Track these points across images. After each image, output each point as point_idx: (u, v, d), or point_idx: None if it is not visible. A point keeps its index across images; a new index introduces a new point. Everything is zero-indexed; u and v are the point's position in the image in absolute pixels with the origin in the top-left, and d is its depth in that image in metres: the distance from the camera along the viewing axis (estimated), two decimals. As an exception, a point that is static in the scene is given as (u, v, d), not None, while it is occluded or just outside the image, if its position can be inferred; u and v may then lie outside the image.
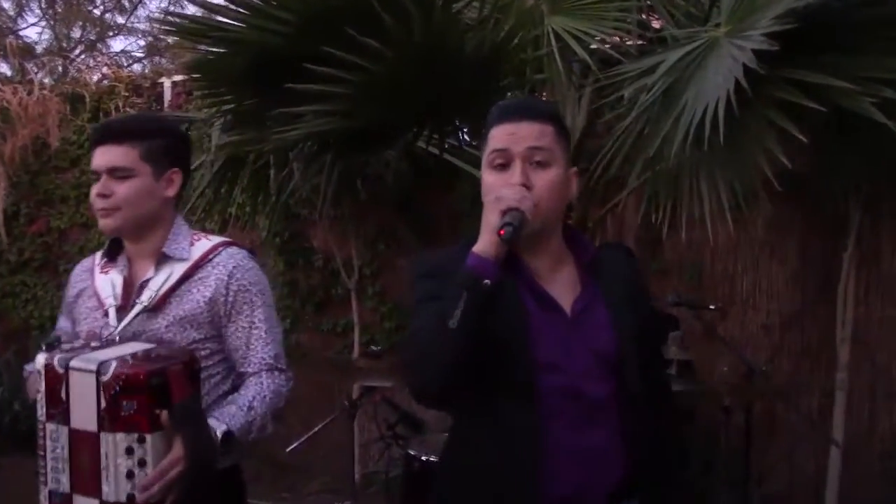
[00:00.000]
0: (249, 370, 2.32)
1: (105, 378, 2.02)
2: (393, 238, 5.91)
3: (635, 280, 2.10)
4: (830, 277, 4.94)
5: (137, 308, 2.26)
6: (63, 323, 2.47)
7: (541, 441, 1.90)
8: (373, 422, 4.84)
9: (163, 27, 3.88)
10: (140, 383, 2.02)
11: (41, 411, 2.12)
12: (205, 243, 2.37)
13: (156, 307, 2.27)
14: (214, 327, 2.31)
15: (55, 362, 2.09)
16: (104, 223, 2.30)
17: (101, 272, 2.37)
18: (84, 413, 2.06)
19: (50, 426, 2.11)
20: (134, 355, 2.09)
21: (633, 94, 3.63)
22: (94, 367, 2.04)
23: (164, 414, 2.03)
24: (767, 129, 3.29)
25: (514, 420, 1.93)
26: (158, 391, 2.03)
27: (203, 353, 2.27)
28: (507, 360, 1.91)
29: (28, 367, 2.33)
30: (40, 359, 2.12)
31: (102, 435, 2.05)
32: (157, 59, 13.14)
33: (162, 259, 2.32)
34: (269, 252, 6.04)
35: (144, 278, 2.31)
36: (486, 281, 1.81)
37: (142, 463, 2.04)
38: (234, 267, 2.33)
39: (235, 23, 3.70)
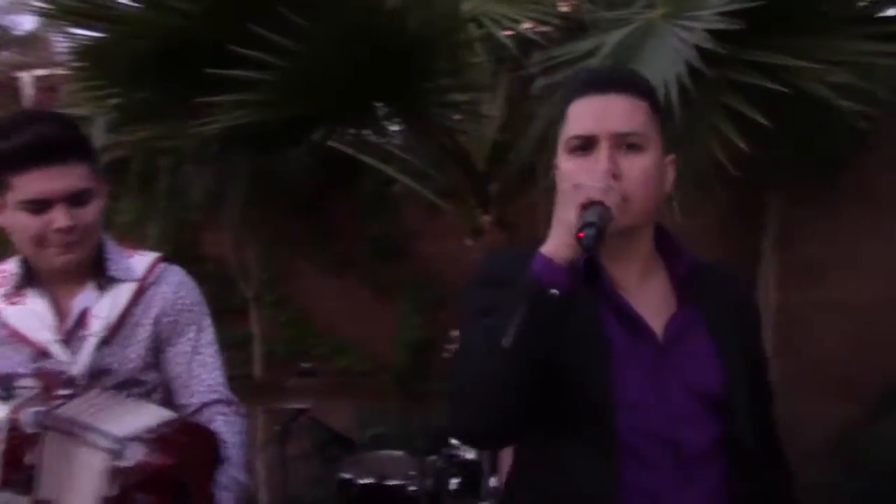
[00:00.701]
0: (194, 401, 2.03)
1: (123, 464, 1.69)
2: (292, 241, 5.52)
3: (747, 306, 1.75)
4: (751, 262, 4.87)
5: (92, 341, 1.94)
6: None
7: (617, 493, 1.52)
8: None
9: (36, 7, 3.27)
10: (165, 478, 1.72)
11: None
12: (141, 259, 2.07)
13: (109, 337, 1.96)
14: (155, 354, 2.02)
15: (24, 420, 1.74)
16: (67, 259, 1.95)
17: (9, 304, 1.98)
18: (78, 495, 1.72)
19: (4, 496, 1.76)
20: (157, 432, 1.75)
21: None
22: (109, 444, 1.71)
23: None
24: (720, 113, 3.11)
25: (586, 472, 1.54)
26: (180, 488, 1.73)
27: (146, 387, 1.98)
28: (579, 394, 1.53)
29: None
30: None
31: None
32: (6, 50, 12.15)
33: (104, 281, 2.00)
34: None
35: (82, 305, 1.97)
36: (555, 291, 1.41)
37: None
38: (179, 284, 2.07)
39: (132, 2, 3.25)
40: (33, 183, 1.87)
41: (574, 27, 3.69)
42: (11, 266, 2.05)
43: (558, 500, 1.57)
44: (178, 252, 5.58)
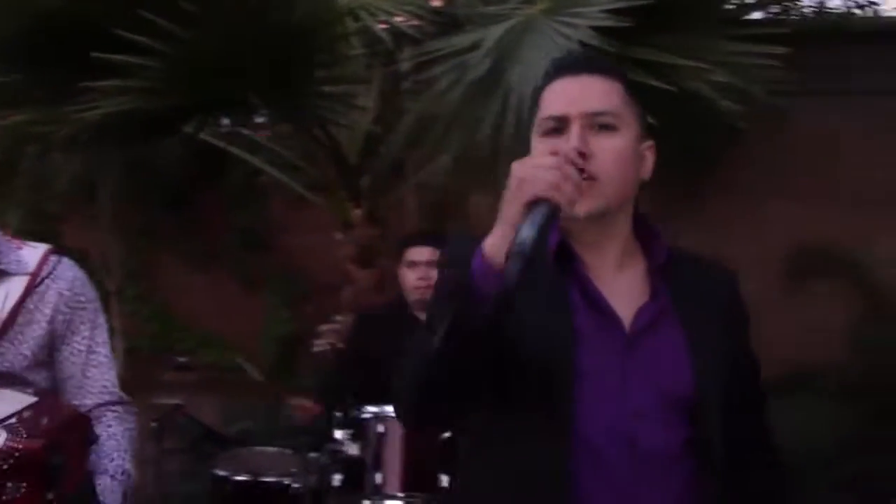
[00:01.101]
0: (87, 402, 1.94)
1: None
2: (158, 234, 5.38)
3: (732, 301, 1.61)
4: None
5: None
6: None
7: (575, 498, 1.42)
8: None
9: None
10: (37, 462, 1.61)
11: None
12: (32, 251, 1.94)
13: (3, 331, 1.85)
14: (49, 353, 1.92)
15: None
16: None
17: None
18: None
19: None
20: (20, 416, 1.65)
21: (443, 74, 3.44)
22: None
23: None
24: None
25: (539, 469, 1.44)
26: (53, 471, 1.63)
27: (33, 387, 1.87)
28: (539, 383, 1.43)
29: None
30: None
31: None
32: None
33: None
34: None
35: None
36: (487, 292, 1.30)
37: None
38: (73, 279, 1.95)
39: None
40: None
41: (448, 22, 3.72)
42: None
43: (511, 496, 1.47)
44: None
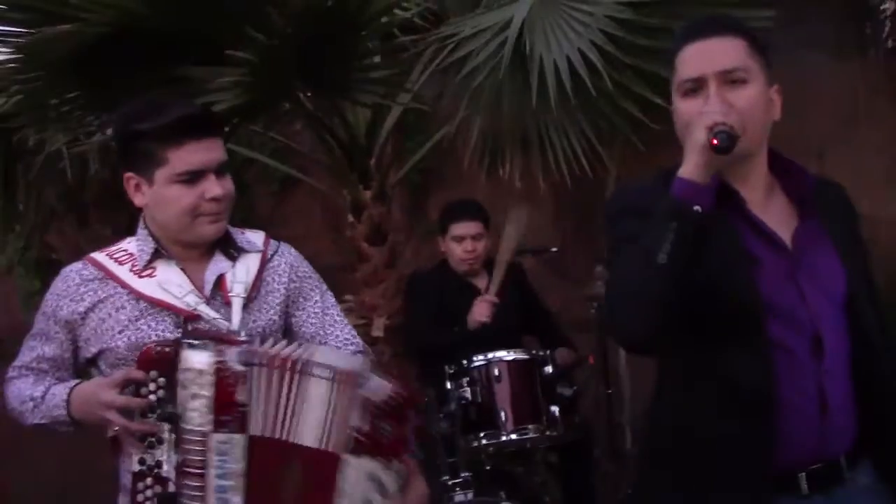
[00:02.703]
0: None
1: (372, 397, 1.84)
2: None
3: (854, 216, 1.91)
4: (587, 216, 5.50)
5: (238, 302, 2.02)
6: (45, 350, 2.08)
7: (774, 402, 1.68)
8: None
9: None
10: (407, 404, 1.87)
11: (201, 420, 1.82)
12: (254, 234, 2.19)
13: (248, 300, 2.07)
14: (285, 318, 2.15)
15: (230, 360, 1.83)
16: (217, 228, 2.04)
17: (140, 277, 2.03)
18: (307, 426, 1.83)
19: (218, 437, 1.82)
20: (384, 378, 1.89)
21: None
22: (327, 374, 1.84)
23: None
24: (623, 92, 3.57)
25: (745, 372, 1.70)
26: (411, 413, 1.89)
27: None
28: (729, 303, 1.69)
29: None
30: (203, 358, 1.82)
31: (346, 457, 1.84)
32: None
33: (234, 251, 2.10)
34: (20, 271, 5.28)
35: (216, 272, 2.07)
36: (697, 208, 1.60)
37: (384, 492, 1.85)
38: (295, 255, 2.21)
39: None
40: (191, 155, 1.97)
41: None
42: (131, 245, 2.09)
43: (721, 401, 1.72)
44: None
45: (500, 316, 3.77)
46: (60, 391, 2.01)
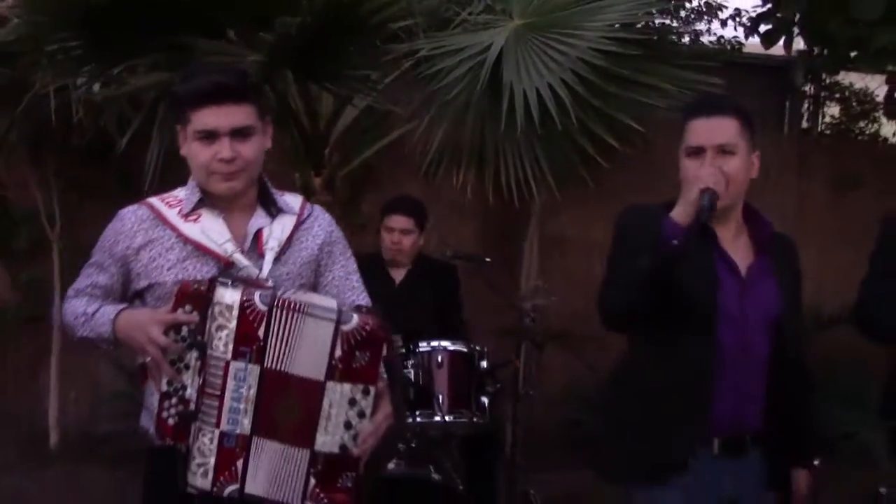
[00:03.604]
0: None
1: (347, 328, 2.05)
2: (90, 186, 5.50)
3: (796, 262, 2.55)
4: (510, 234, 5.83)
5: (270, 255, 2.24)
6: (98, 278, 2.29)
7: (712, 377, 2.33)
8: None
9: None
10: (379, 337, 2.08)
11: (224, 348, 2.05)
12: (292, 197, 2.41)
13: (280, 255, 2.28)
14: (313, 276, 2.37)
15: (256, 300, 2.05)
16: (228, 186, 2.24)
17: (187, 222, 2.25)
18: (305, 360, 2.06)
19: (236, 364, 2.05)
20: (358, 307, 2.13)
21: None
22: (332, 315, 2.06)
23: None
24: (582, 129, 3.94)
25: (694, 354, 2.34)
26: (383, 345, 2.09)
27: None
28: (694, 308, 2.31)
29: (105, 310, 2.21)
30: (231, 295, 2.05)
31: (330, 384, 2.06)
32: None
33: (274, 210, 2.33)
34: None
35: (256, 227, 2.28)
36: (675, 242, 2.22)
37: (361, 414, 2.08)
38: (329, 220, 2.43)
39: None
40: (206, 116, 2.19)
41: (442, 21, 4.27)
42: (181, 193, 2.31)
43: (674, 375, 2.35)
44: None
45: (422, 308, 4.07)
46: (109, 311, 2.21)
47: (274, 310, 2.07)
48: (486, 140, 4.17)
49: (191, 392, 2.08)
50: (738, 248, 2.43)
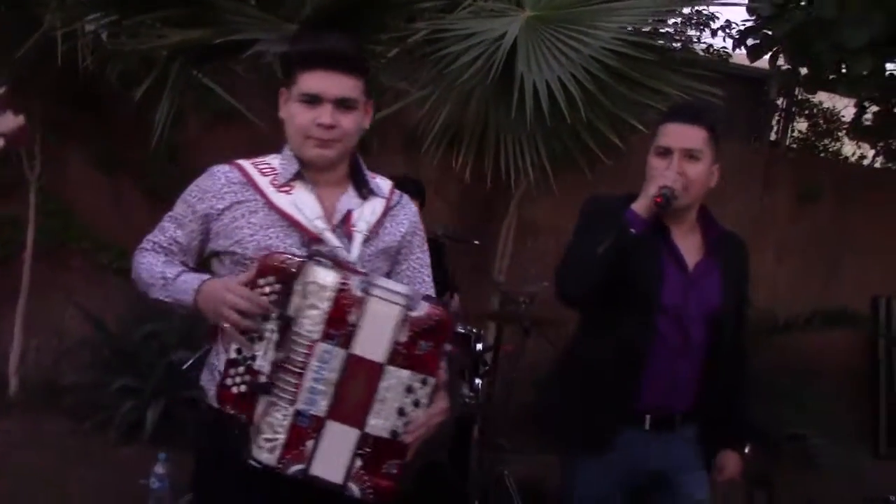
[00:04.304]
0: None
1: (415, 314, 2.04)
2: (69, 130, 5.43)
3: (745, 268, 2.77)
4: (485, 219, 5.92)
5: (359, 237, 2.22)
6: (177, 234, 2.26)
7: (647, 359, 2.54)
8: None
9: None
10: (446, 328, 2.07)
11: (313, 328, 2.02)
12: (382, 181, 2.38)
13: (368, 238, 2.26)
14: (391, 264, 2.35)
15: (353, 285, 2.03)
16: (321, 153, 2.21)
17: (279, 191, 2.22)
18: (372, 342, 2.04)
19: (323, 346, 2.02)
20: (427, 297, 2.11)
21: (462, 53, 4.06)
22: (402, 301, 2.04)
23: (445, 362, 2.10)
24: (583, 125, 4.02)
25: (631, 337, 2.55)
26: (448, 338, 2.08)
27: None
28: (637, 295, 2.54)
29: (167, 271, 2.19)
30: (330, 277, 2.02)
31: (388, 368, 2.05)
32: None
33: (365, 191, 2.30)
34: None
35: (347, 206, 2.26)
36: (633, 230, 2.47)
37: (416, 403, 2.07)
38: (414, 210, 2.41)
39: None
40: (313, 80, 2.17)
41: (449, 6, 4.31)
42: (274, 161, 2.27)
43: (615, 354, 2.55)
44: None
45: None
46: (192, 281, 2.18)
47: (370, 297, 2.04)
48: (488, 125, 4.23)
49: (261, 363, 2.05)
50: (688, 245, 2.64)
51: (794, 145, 7.72)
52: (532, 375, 5.14)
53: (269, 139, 4.52)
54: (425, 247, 2.42)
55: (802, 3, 5.07)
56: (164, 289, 2.19)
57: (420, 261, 2.39)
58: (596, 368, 2.59)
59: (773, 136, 7.70)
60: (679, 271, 2.60)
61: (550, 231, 6.14)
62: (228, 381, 2.05)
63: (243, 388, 2.05)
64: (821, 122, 7.66)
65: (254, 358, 2.05)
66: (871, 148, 7.45)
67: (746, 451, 2.81)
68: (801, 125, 7.74)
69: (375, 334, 2.04)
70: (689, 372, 2.59)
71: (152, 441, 4.75)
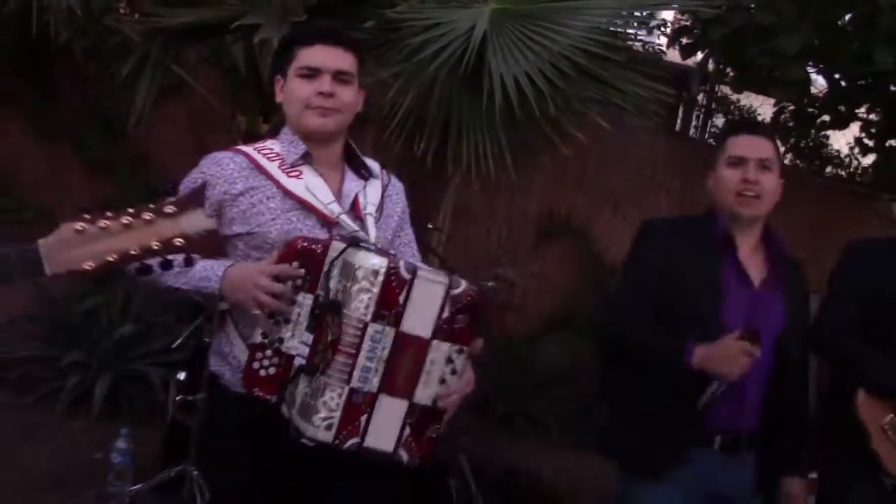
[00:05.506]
0: None
1: (456, 292, 2.16)
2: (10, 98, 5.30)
3: (806, 290, 2.76)
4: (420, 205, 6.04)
5: (371, 220, 2.32)
6: None
7: (713, 381, 2.47)
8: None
9: None
10: (481, 303, 2.21)
11: (364, 310, 2.10)
12: (372, 162, 2.46)
13: (376, 218, 2.36)
14: (392, 242, 2.44)
15: (401, 267, 2.12)
16: (321, 122, 2.29)
17: (289, 175, 2.28)
18: (418, 319, 2.15)
19: (375, 326, 2.12)
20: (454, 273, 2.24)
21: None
22: (444, 279, 2.16)
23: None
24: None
25: (695, 376, 2.47)
26: (480, 313, 2.22)
27: None
28: (698, 317, 2.52)
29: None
30: (378, 261, 2.11)
31: (434, 342, 2.17)
32: None
33: (364, 172, 2.39)
34: None
35: (354, 190, 2.34)
36: (684, 360, 2.46)
37: (454, 372, 2.21)
38: (401, 187, 2.52)
39: None
40: (314, 53, 2.29)
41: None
42: (276, 146, 2.33)
43: (671, 376, 2.53)
44: None
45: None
46: (215, 267, 2.22)
47: (416, 278, 2.13)
48: (451, 114, 4.34)
49: (291, 345, 2.14)
50: (753, 262, 2.64)
51: (711, 141, 8.09)
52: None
53: (213, 112, 4.59)
54: (409, 222, 2.54)
55: (742, 9, 5.34)
56: (179, 276, 2.22)
57: (409, 237, 2.52)
58: (661, 391, 2.54)
59: (692, 133, 8.05)
60: (743, 289, 2.58)
61: (480, 215, 6.32)
62: (255, 365, 2.14)
63: (272, 370, 2.14)
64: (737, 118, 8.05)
65: (281, 340, 2.14)
66: (783, 145, 7.88)
67: (812, 476, 2.78)
68: (720, 121, 8.12)
69: (422, 312, 2.16)
70: (755, 395, 2.58)
71: (99, 416, 4.74)
